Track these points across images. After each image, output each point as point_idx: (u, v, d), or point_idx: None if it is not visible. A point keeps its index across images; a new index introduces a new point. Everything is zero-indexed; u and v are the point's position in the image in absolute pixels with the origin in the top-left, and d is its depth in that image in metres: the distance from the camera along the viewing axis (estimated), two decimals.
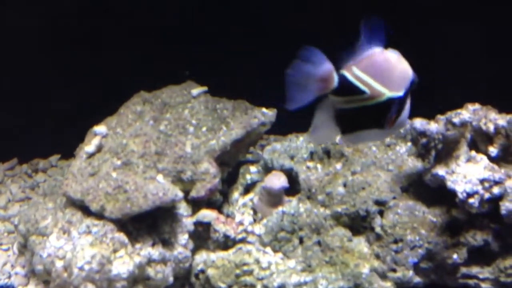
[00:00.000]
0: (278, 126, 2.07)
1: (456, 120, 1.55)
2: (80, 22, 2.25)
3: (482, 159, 1.55)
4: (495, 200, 1.53)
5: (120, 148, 1.78)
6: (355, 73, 0.93)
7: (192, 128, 1.92)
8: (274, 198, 1.81)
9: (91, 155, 1.79)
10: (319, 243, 1.73)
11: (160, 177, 1.73)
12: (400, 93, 0.96)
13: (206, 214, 1.78)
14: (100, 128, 1.88)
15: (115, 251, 1.59)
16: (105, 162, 1.74)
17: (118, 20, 2.27)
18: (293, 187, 1.87)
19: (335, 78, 0.93)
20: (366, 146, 1.88)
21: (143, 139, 1.80)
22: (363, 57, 0.94)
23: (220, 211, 1.91)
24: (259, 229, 1.78)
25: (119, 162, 1.74)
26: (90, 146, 1.79)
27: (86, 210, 1.69)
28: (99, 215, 1.65)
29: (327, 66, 0.91)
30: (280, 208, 1.79)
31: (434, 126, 1.59)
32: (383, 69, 0.93)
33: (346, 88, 0.93)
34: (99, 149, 1.81)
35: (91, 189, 1.66)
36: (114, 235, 1.61)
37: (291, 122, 2.11)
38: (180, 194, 1.70)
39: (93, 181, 1.69)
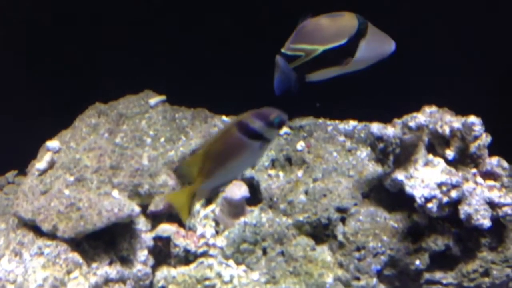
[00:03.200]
0: None
1: (412, 124, 1.54)
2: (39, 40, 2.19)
3: (439, 162, 1.54)
4: (454, 204, 1.52)
5: (73, 163, 1.71)
6: (290, 46, 1.24)
7: (150, 140, 1.86)
8: (235, 209, 1.77)
9: (42, 172, 1.72)
10: (282, 253, 1.70)
11: (115, 192, 1.67)
12: (340, 42, 1.23)
13: (166, 229, 1.73)
14: (53, 143, 1.81)
15: (69, 272, 1.53)
16: (57, 179, 1.68)
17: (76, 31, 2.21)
18: (255, 196, 1.84)
19: (278, 60, 1.26)
20: (327, 152, 1.86)
21: (98, 153, 1.74)
22: (296, 32, 1.25)
23: (181, 223, 1.86)
24: (221, 241, 1.74)
25: (72, 179, 1.67)
26: (41, 162, 1.72)
27: (38, 230, 1.62)
28: (52, 235, 1.58)
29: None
30: (242, 219, 1.75)
31: (391, 131, 1.58)
32: (312, 31, 1.23)
33: (288, 59, 1.26)
34: (51, 165, 1.74)
35: (42, 208, 1.59)
36: (67, 255, 1.55)
37: None
38: (137, 209, 1.65)
39: (44, 200, 1.62)
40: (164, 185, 1.75)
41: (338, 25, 1.25)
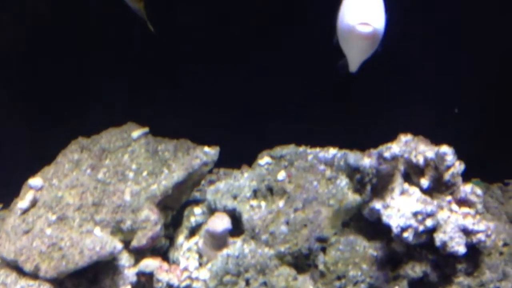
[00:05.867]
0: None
1: (387, 154, 1.58)
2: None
3: (415, 192, 1.58)
4: (430, 232, 1.56)
5: (55, 201, 1.73)
6: None
7: (132, 174, 1.88)
8: (218, 241, 1.79)
9: (25, 211, 1.73)
10: (265, 284, 1.72)
11: (97, 230, 1.69)
12: None
13: (149, 264, 1.74)
14: (35, 181, 1.82)
15: None
16: (39, 218, 1.69)
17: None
18: (238, 227, 1.86)
19: None
20: (308, 181, 1.89)
21: (80, 190, 1.75)
22: None
23: (165, 257, 1.87)
24: (204, 274, 1.76)
25: (54, 217, 1.68)
26: (23, 201, 1.73)
27: (21, 270, 1.62)
28: (35, 275, 1.59)
29: None
30: (224, 251, 1.77)
31: (367, 161, 1.61)
32: None
33: None
34: (33, 203, 1.75)
35: (24, 249, 1.60)
36: None
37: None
38: (119, 246, 1.66)
39: (26, 240, 1.63)
40: (147, 220, 1.77)
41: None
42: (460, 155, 1.63)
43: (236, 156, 2.46)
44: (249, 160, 2.17)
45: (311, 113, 2.34)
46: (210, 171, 2.14)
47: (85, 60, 2.23)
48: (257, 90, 2.28)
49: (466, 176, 2.41)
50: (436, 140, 1.72)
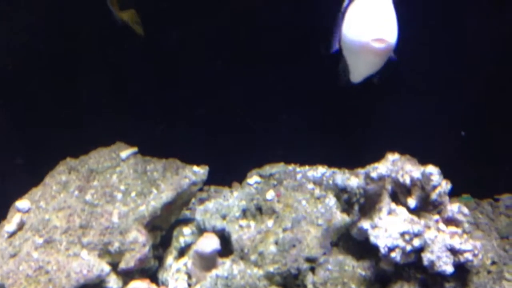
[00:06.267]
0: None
1: (374, 175, 1.59)
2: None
3: (402, 212, 1.58)
4: (418, 251, 1.56)
5: (43, 224, 1.72)
6: None
7: (120, 195, 1.88)
8: (207, 262, 1.79)
9: (12, 234, 1.72)
10: None
11: (84, 253, 1.68)
12: None
13: (137, 286, 1.73)
14: (22, 203, 1.81)
15: None
16: (26, 241, 1.68)
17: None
18: (227, 247, 1.85)
19: None
20: (296, 201, 1.89)
21: (67, 213, 1.74)
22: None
23: (154, 278, 1.86)
24: None
25: (41, 240, 1.67)
26: (10, 224, 1.72)
27: None
28: None
29: None
30: (213, 272, 1.77)
31: (354, 182, 1.62)
32: None
33: None
34: (20, 226, 1.74)
35: (11, 273, 1.59)
36: None
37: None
38: (107, 269, 1.65)
39: (13, 263, 1.61)
40: (135, 242, 1.76)
41: None
42: (450, 170, 1.64)
43: (227, 173, 2.46)
44: (240, 176, 2.18)
45: (302, 130, 2.35)
46: (201, 189, 2.14)
47: (73, 79, 2.24)
48: (248, 105, 2.30)
49: (456, 192, 2.43)
50: (426, 156, 1.73)
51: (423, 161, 1.69)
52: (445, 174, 1.62)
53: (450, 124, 2.27)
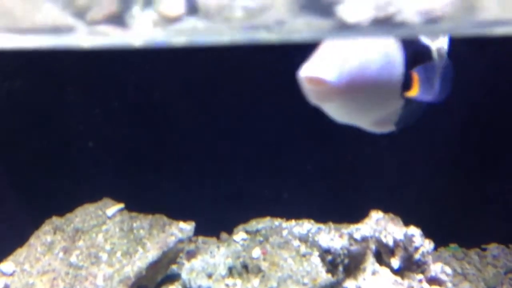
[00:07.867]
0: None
1: (357, 236, 1.60)
2: None
3: (386, 273, 1.59)
4: None
5: None
6: None
7: (106, 256, 1.87)
8: None
9: None
10: None
11: None
12: None
13: None
14: (7, 266, 1.80)
15: None
16: None
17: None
18: None
19: None
20: (282, 259, 1.90)
21: (51, 277, 1.73)
22: None
23: None
24: None
25: None
26: None
27: None
28: None
29: None
30: None
31: (338, 243, 1.63)
32: None
33: None
34: None
35: None
36: None
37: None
38: None
39: None
40: None
41: None
42: (437, 220, 1.65)
43: (215, 223, 2.46)
44: (229, 225, 2.19)
45: (288, 180, 2.37)
46: (190, 239, 2.14)
47: (61, 135, 2.26)
48: (236, 156, 2.32)
49: (444, 242, 2.44)
50: (413, 206, 1.73)
51: (410, 212, 1.69)
52: (432, 224, 1.63)
53: (437, 173, 2.30)
